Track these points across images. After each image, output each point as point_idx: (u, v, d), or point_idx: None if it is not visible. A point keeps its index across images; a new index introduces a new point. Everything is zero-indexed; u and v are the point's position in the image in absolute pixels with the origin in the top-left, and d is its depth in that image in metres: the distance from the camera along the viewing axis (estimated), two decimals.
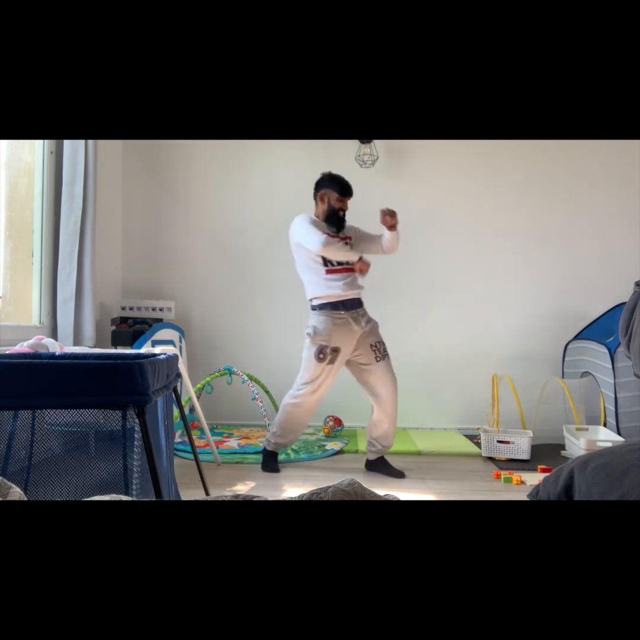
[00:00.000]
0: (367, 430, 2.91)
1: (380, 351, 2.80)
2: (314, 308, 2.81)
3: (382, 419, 2.81)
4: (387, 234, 2.79)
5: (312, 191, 2.83)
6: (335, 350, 2.73)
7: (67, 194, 3.09)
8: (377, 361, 2.78)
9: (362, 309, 2.83)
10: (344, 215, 2.79)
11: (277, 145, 3.97)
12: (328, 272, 2.73)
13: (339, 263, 2.74)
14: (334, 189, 2.76)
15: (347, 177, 2.83)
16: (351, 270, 2.77)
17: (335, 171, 2.85)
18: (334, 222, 2.76)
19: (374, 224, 3.62)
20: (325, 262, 2.73)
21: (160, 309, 3.77)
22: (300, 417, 2.84)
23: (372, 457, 2.89)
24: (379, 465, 2.86)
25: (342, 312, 2.74)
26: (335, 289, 2.73)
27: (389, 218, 2.69)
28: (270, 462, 2.88)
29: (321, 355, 2.73)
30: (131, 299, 3.84)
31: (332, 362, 2.74)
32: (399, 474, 2.80)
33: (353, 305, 2.77)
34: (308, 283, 2.81)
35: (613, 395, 3.18)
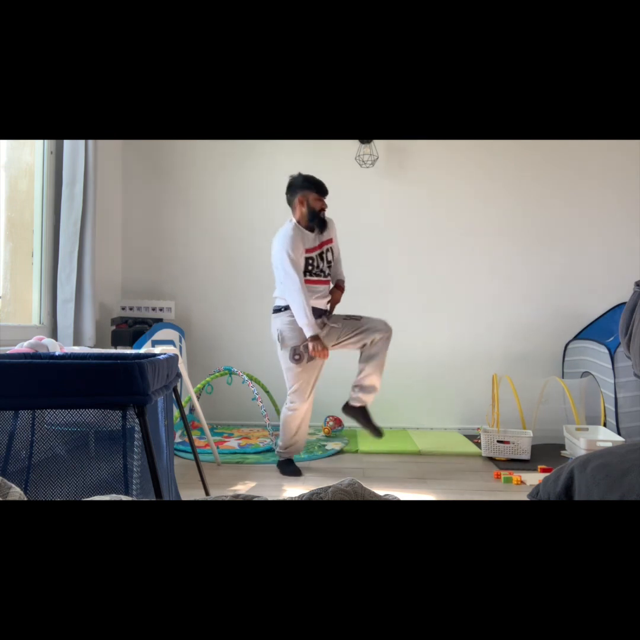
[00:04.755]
0: (360, 373, 2.85)
1: (355, 316, 2.83)
2: (278, 309, 2.78)
3: (372, 356, 2.80)
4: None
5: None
6: (307, 348, 2.71)
7: (67, 194, 3.09)
8: (359, 319, 2.82)
9: (325, 317, 2.84)
10: (324, 214, 2.76)
11: (277, 145, 3.97)
12: (306, 282, 2.72)
13: (316, 274, 2.77)
14: (311, 189, 2.72)
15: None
16: (326, 282, 2.81)
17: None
18: (317, 223, 2.74)
19: (375, 224, 3.63)
20: (306, 272, 2.73)
21: (160, 309, 3.77)
22: (299, 424, 2.84)
23: (357, 404, 2.87)
24: (361, 414, 2.88)
25: None
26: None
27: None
28: (289, 466, 2.86)
29: (297, 357, 2.72)
30: (131, 299, 3.84)
31: (311, 359, 2.72)
32: (377, 432, 2.83)
33: (319, 314, 2.78)
34: (281, 284, 2.79)
35: (613, 395, 3.18)
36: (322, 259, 2.80)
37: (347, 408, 2.91)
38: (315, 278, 2.76)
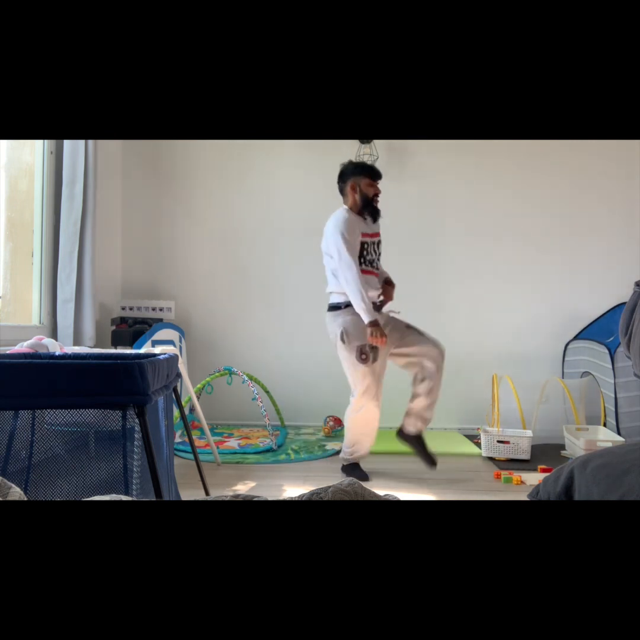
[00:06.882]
0: (416, 400, 2.79)
1: (416, 328, 2.77)
2: (337, 306, 2.66)
3: (432, 387, 2.75)
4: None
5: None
6: (374, 347, 2.59)
7: (67, 194, 3.09)
8: (421, 334, 2.76)
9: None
10: (377, 202, 2.71)
11: (277, 145, 3.97)
12: (362, 272, 2.64)
13: (370, 264, 2.69)
14: (363, 174, 2.68)
15: None
16: (377, 275, 2.75)
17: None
18: (369, 211, 2.68)
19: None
20: (361, 261, 2.65)
21: (160, 309, 3.77)
22: (371, 425, 2.73)
23: (414, 431, 2.80)
24: (418, 442, 2.80)
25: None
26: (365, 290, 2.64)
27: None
28: (355, 471, 2.78)
29: (363, 356, 2.59)
30: (131, 299, 3.84)
31: (376, 359, 2.61)
32: (432, 461, 2.75)
33: (377, 308, 2.71)
34: (334, 276, 2.71)
35: (613, 395, 3.18)
36: (375, 249, 2.73)
37: (402, 435, 2.84)
38: (368, 268, 2.68)
